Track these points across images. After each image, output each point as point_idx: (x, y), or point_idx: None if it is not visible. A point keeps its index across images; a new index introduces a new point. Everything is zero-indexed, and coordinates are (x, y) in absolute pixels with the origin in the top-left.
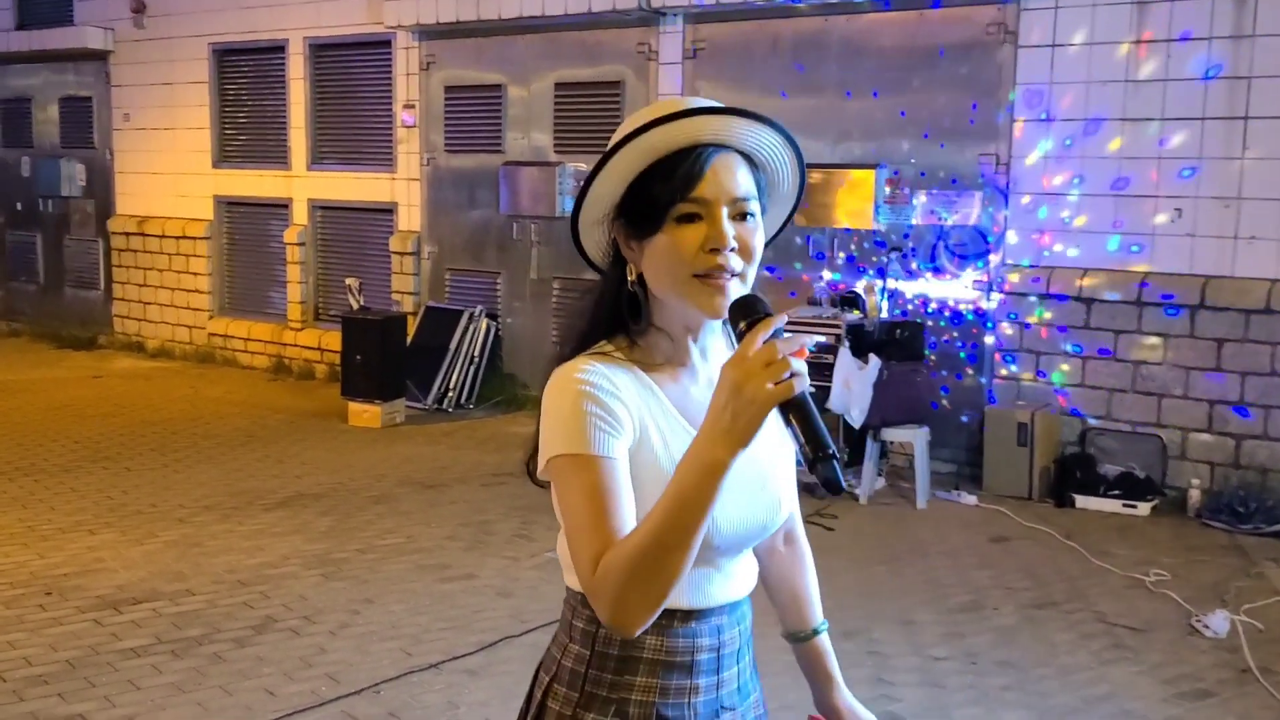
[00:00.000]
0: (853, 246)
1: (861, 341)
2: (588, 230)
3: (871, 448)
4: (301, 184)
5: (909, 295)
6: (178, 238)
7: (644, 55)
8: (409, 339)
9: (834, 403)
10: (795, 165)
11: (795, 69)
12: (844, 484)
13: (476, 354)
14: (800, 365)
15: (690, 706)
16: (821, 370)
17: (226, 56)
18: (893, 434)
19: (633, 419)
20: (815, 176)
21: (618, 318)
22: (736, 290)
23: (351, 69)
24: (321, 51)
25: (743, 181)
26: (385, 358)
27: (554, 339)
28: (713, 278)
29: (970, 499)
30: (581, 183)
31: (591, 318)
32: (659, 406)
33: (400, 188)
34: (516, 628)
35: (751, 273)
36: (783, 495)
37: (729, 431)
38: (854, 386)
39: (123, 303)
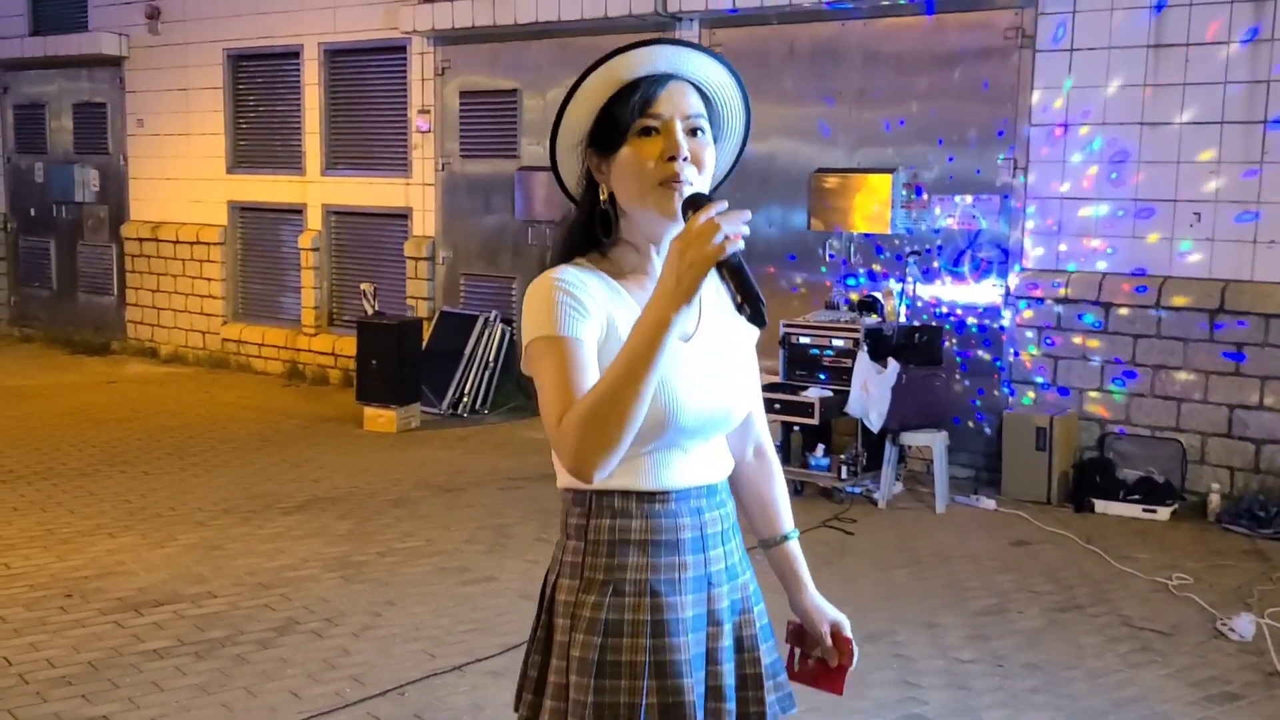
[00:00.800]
0: (870, 251)
1: (880, 345)
2: (564, 159)
3: (890, 452)
4: (316, 189)
5: (927, 300)
6: (191, 243)
7: None
8: (424, 344)
9: (852, 406)
10: (740, 100)
11: (812, 73)
12: (766, 321)
13: (491, 359)
14: (734, 230)
15: (680, 581)
16: (840, 374)
17: (241, 62)
18: (911, 438)
19: (600, 311)
20: (832, 181)
21: (590, 235)
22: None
23: (366, 74)
24: (336, 57)
25: (694, 103)
26: (401, 362)
27: None
28: (670, 184)
29: (989, 503)
30: (555, 112)
31: (567, 236)
32: (624, 305)
33: (415, 193)
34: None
35: (704, 183)
36: (740, 387)
37: (673, 292)
38: (872, 390)
39: (136, 308)
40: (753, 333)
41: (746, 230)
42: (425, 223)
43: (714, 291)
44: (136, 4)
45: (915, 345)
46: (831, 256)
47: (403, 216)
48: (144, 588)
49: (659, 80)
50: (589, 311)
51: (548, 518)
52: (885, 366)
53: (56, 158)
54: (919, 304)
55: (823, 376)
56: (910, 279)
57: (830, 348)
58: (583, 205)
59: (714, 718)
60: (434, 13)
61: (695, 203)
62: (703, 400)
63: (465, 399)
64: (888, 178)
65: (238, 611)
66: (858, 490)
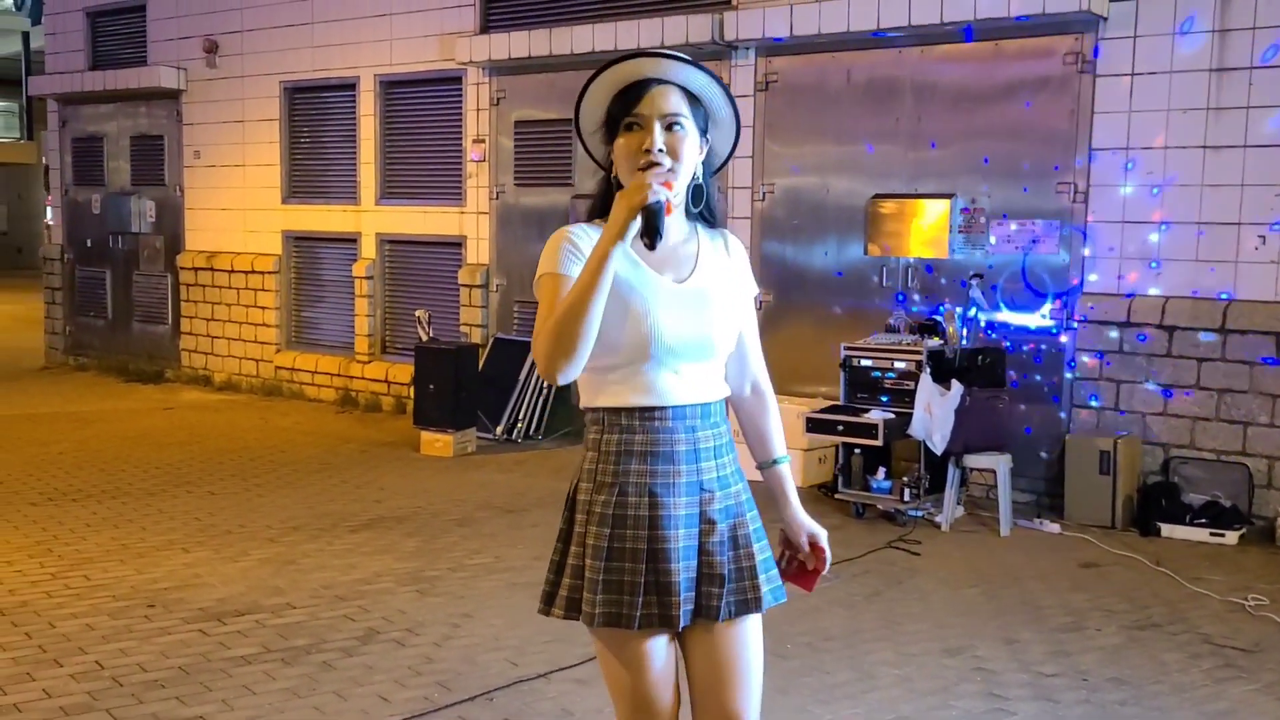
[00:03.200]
0: (928, 276)
1: (943, 368)
2: (590, 143)
3: (953, 474)
4: (370, 218)
5: (987, 323)
6: (246, 272)
7: None
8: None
9: (915, 428)
10: (725, 97)
11: (868, 101)
12: (657, 241)
13: (545, 385)
14: (659, 182)
15: (674, 485)
16: (901, 397)
17: (297, 94)
18: (975, 460)
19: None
20: (889, 207)
21: (605, 202)
22: (677, 183)
23: (421, 105)
24: (392, 88)
25: (674, 104)
26: (458, 387)
27: None
28: (646, 170)
29: (1053, 527)
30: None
31: (591, 203)
32: (623, 253)
33: (469, 221)
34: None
35: (681, 169)
36: (721, 323)
37: (611, 227)
38: (935, 412)
39: (190, 337)
40: (747, 290)
41: (668, 192)
42: (479, 251)
43: (718, 253)
44: (194, 38)
45: (978, 367)
46: (889, 282)
47: (456, 245)
48: (224, 598)
49: (646, 84)
50: (584, 256)
51: None
52: (948, 389)
53: (114, 189)
54: (980, 327)
55: (884, 399)
56: (972, 303)
57: (892, 370)
58: (601, 181)
59: (712, 599)
60: (490, 44)
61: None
62: (680, 328)
63: (520, 424)
64: (946, 203)
65: (318, 621)
66: (920, 513)
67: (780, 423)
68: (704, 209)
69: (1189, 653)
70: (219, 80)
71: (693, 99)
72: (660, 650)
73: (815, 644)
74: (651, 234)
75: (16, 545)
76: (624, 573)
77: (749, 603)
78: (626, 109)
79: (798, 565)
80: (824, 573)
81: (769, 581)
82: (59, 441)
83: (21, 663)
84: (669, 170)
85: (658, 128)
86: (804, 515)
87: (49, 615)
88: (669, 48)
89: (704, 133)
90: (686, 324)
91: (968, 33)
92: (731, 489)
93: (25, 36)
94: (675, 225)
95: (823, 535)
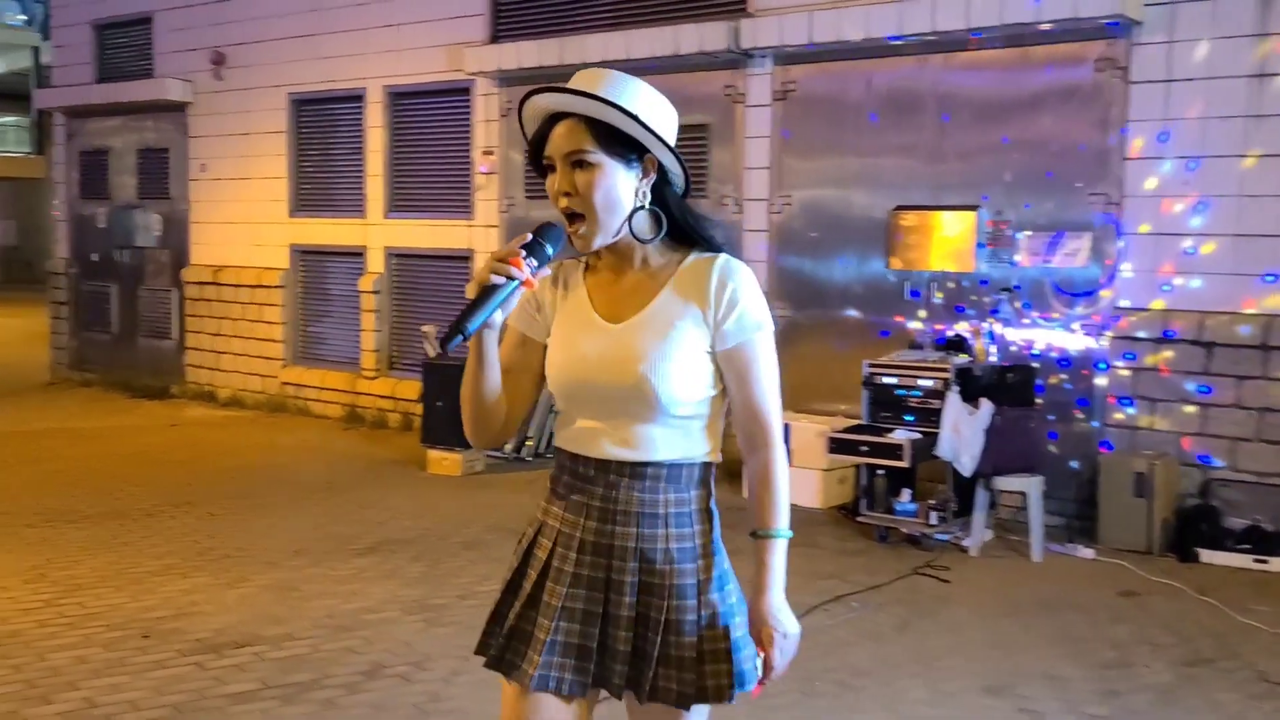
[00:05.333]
0: (952, 289)
1: (970, 386)
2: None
3: (981, 497)
4: (378, 232)
5: (1016, 338)
6: (252, 287)
7: (731, 98)
8: None
9: (942, 449)
10: (626, 117)
11: (890, 110)
12: (448, 349)
13: (554, 404)
14: (501, 269)
15: (578, 542)
16: (927, 415)
17: (304, 106)
18: (1005, 483)
19: (536, 298)
20: (911, 219)
21: None
22: (590, 232)
23: (430, 116)
24: (400, 99)
25: (574, 140)
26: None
27: None
28: (566, 217)
29: (1087, 552)
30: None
31: None
32: (566, 289)
33: (478, 235)
34: None
35: (594, 205)
36: (661, 370)
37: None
38: (964, 432)
39: (195, 352)
40: (733, 334)
41: (518, 271)
42: None
43: (693, 289)
44: (201, 50)
45: (1008, 385)
46: (913, 295)
47: (465, 259)
48: (221, 629)
49: (552, 121)
50: (540, 307)
51: None
52: (977, 407)
53: (120, 203)
54: (1008, 343)
55: (909, 418)
56: (1001, 318)
57: (917, 388)
58: None
59: (613, 675)
60: (500, 54)
61: (541, 231)
62: (590, 374)
63: (529, 442)
64: (971, 215)
65: (320, 654)
66: (946, 537)
67: (777, 491)
68: (688, 234)
69: (1246, 693)
70: (225, 92)
71: (597, 124)
72: (534, 709)
73: (845, 680)
74: (451, 325)
75: (10, 569)
76: (509, 611)
77: (677, 694)
78: (540, 150)
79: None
80: (763, 682)
81: (716, 676)
82: (58, 459)
83: (8, 699)
84: (532, 244)
85: (566, 168)
86: (764, 608)
87: (40, 646)
88: (593, 70)
89: (636, 157)
90: (603, 370)
91: (993, 39)
92: (663, 566)
93: (35, 51)
94: (635, 256)
95: (774, 638)
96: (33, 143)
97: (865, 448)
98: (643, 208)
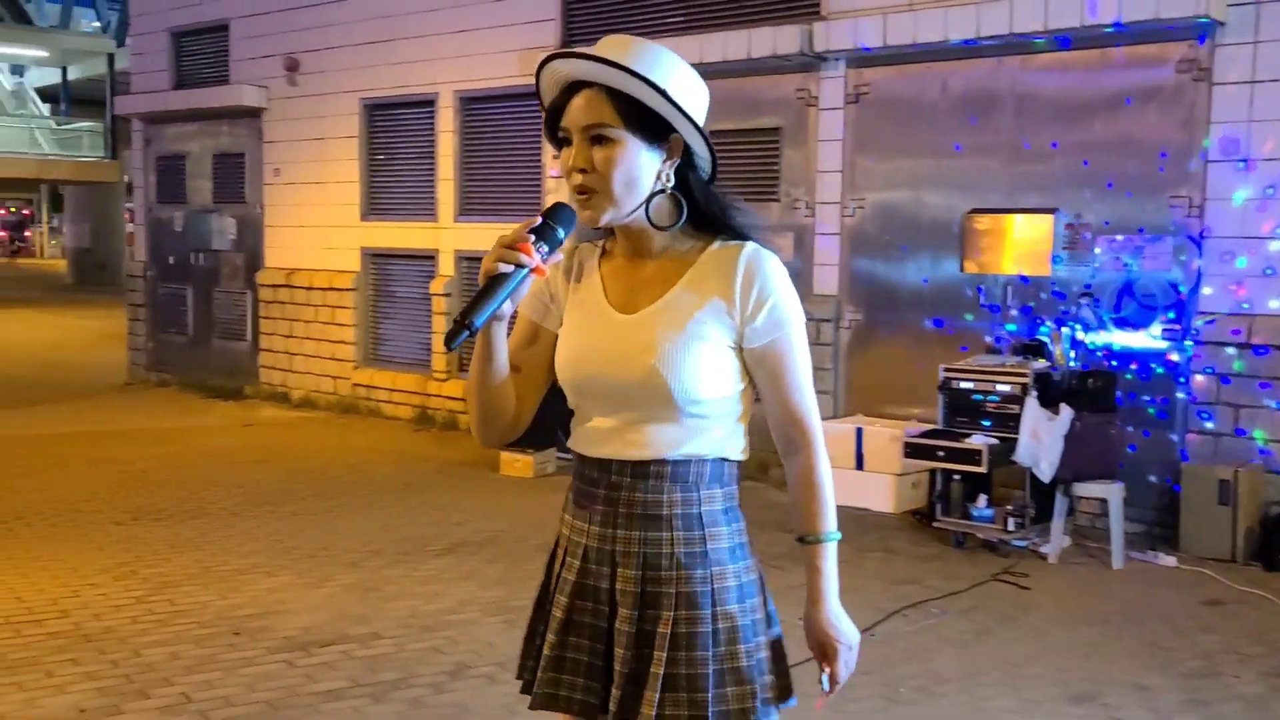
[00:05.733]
0: (1028, 293)
1: (1050, 391)
2: None
3: (1060, 503)
4: (448, 235)
5: (1094, 345)
6: (324, 289)
7: (804, 101)
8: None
9: (1021, 454)
10: (654, 91)
11: (965, 113)
12: (452, 346)
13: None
14: (510, 256)
15: (585, 550)
16: (1004, 421)
17: (376, 111)
18: (1085, 489)
19: (549, 285)
20: (986, 222)
21: None
22: (599, 203)
23: (501, 121)
24: (471, 104)
25: (597, 112)
26: (538, 406)
27: None
28: (577, 193)
29: (1169, 560)
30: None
31: None
32: (588, 279)
33: None
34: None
35: (611, 186)
36: (674, 362)
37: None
38: (1043, 438)
39: (269, 353)
40: (763, 329)
41: (527, 258)
42: None
43: (716, 279)
44: (276, 57)
45: (1088, 391)
46: (987, 301)
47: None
48: (308, 627)
49: (572, 90)
50: (552, 295)
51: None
52: (1056, 413)
53: (195, 207)
54: (1086, 349)
55: (986, 423)
56: (1080, 322)
57: (994, 393)
58: None
59: (607, 698)
60: None
61: (551, 213)
62: (597, 367)
63: None
64: (1048, 218)
65: (405, 654)
66: (1024, 544)
67: (823, 492)
68: (712, 221)
69: None
70: (299, 98)
71: (619, 95)
72: None
73: (929, 687)
74: (459, 315)
75: (101, 567)
76: (534, 631)
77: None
78: (556, 120)
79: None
80: (828, 695)
81: (738, 700)
82: (141, 459)
83: (109, 693)
84: (542, 227)
85: (582, 142)
86: (822, 618)
87: (134, 642)
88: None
89: (660, 136)
90: (612, 364)
91: (1069, 41)
92: (668, 573)
93: (110, 58)
94: (653, 243)
95: (838, 650)
96: (107, 147)
97: (942, 453)
98: (663, 191)
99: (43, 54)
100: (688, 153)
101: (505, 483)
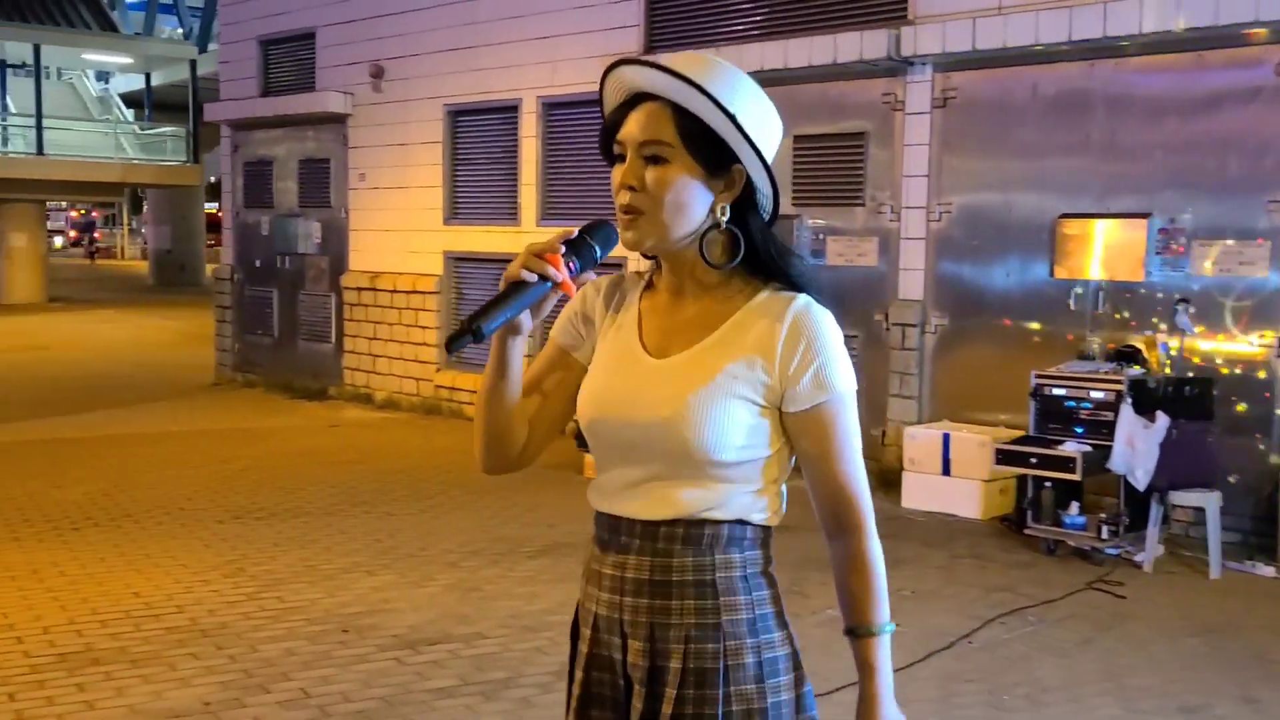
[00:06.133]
0: (1121, 299)
1: (1145, 398)
2: None
3: (1155, 512)
4: (531, 239)
5: (1190, 350)
6: (408, 292)
7: (890, 106)
8: None
9: (1115, 462)
10: (722, 115)
11: (1056, 115)
12: (453, 349)
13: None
14: (536, 266)
15: (595, 619)
16: (1098, 428)
17: (460, 117)
18: (1181, 497)
19: (582, 314)
20: (1078, 227)
21: None
22: (644, 227)
23: (583, 126)
24: (554, 110)
25: (655, 128)
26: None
27: None
28: (623, 212)
29: (1267, 570)
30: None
31: None
32: (626, 313)
33: None
34: (823, 686)
35: (661, 209)
36: (701, 415)
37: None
38: (1139, 446)
39: (353, 355)
40: (803, 394)
41: (556, 272)
42: None
43: (758, 332)
44: (361, 64)
45: (1185, 398)
46: (1078, 305)
47: (617, 266)
48: (415, 626)
49: (635, 102)
50: (586, 321)
51: (795, 570)
52: (1152, 420)
53: (282, 211)
54: (1181, 355)
55: (1079, 430)
56: (1177, 328)
57: (1088, 400)
58: None
59: None
60: None
61: (590, 230)
62: (620, 414)
63: None
64: (1142, 223)
65: (511, 653)
66: (1116, 552)
67: (875, 579)
68: (767, 266)
69: None
70: (384, 104)
71: (684, 113)
72: None
73: (1034, 695)
74: (469, 319)
75: (210, 564)
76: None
77: None
78: (614, 133)
79: None
80: None
81: None
82: (236, 458)
83: (230, 688)
84: (578, 241)
85: (637, 158)
86: (874, 715)
87: (250, 638)
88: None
89: (722, 165)
90: (630, 412)
91: (1166, 43)
92: (676, 647)
93: (192, 64)
94: (700, 282)
95: None
96: (188, 152)
97: (1035, 459)
98: (717, 226)
99: (127, 61)
100: (749, 188)
101: (583, 485)
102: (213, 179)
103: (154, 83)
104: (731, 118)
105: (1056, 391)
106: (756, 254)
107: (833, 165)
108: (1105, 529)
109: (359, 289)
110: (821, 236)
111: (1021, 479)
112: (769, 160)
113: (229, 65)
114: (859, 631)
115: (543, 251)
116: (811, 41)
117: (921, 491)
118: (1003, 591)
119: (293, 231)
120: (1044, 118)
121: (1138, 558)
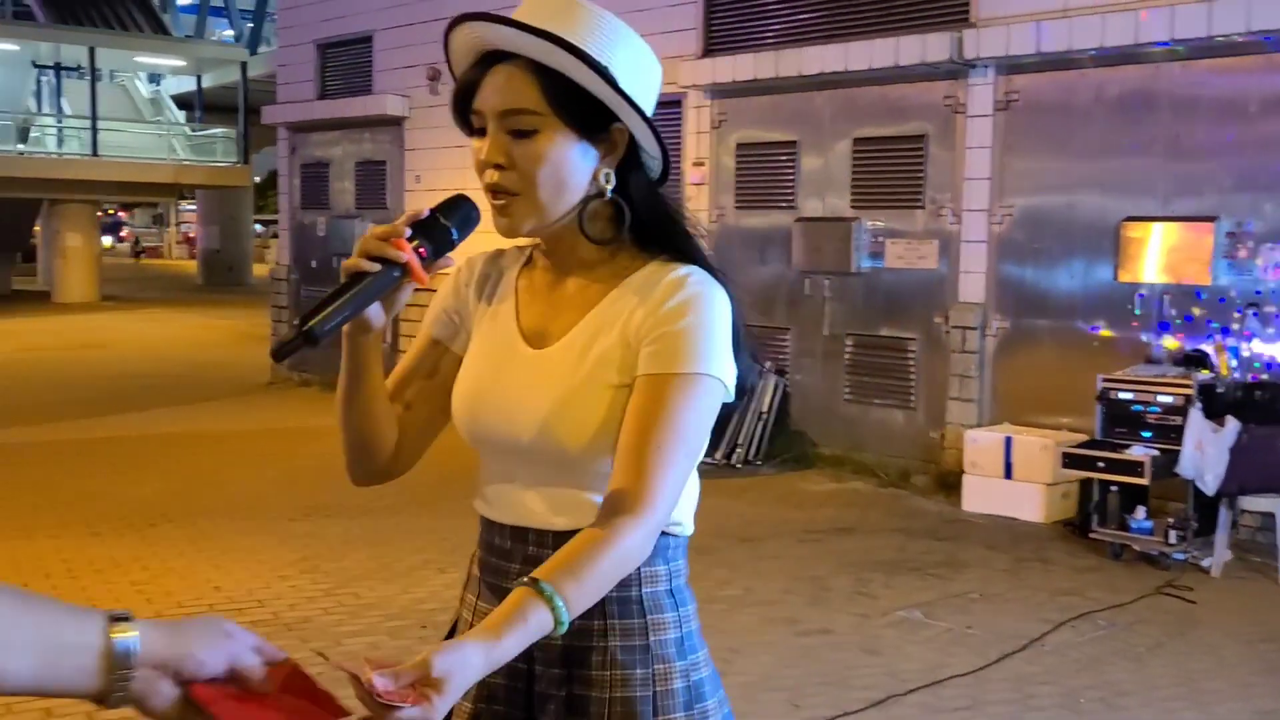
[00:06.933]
0: (1188, 302)
1: (1214, 402)
2: None
3: (1224, 517)
4: None
5: (1260, 354)
6: None
7: (951, 108)
8: None
9: (1184, 467)
10: (592, 71)
11: (1120, 118)
12: (281, 357)
13: (764, 410)
14: (386, 250)
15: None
16: (1165, 432)
17: None
18: (1251, 502)
19: (453, 297)
20: (1143, 230)
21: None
22: (519, 209)
23: None
24: None
25: (516, 94)
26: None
27: (846, 396)
28: (491, 194)
29: None
30: None
31: None
32: (503, 298)
33: None
34: (899, 687)
35: (536, 188)
36: (573, 410)
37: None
38: (1208, 450)
39: (400, 354)
40: (655, 358)
41: (401, 254)
42: None
43: (635, 306)
44: (418, 67)
45: (1254, 402)
46: (1145, 308)
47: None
48: None
49: (490, 61)
50: (457, 306)
51: (861, 571)
52: (1221, 425)
53: (338, 212)
54: (1251, 359)
55: (1146, 434)
56: (1244, 333)
57: (1155, 404)
58: None
59: None
60: (714, 67)
61: (441, 206)
62: (498, 415)
63: (739, 449)
64: (1209, 226)
65: None
66: (1183, 557)
67: (600, 563)
68: (658, 235)
69: None
70: (440, 107)
71: (550, 73)
72: None
73: (1109, 699)
74: (303, 319)
75: (286, 560)
76: None
77: None
78: (468, 101)
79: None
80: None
81: None
82: (298, 456)
83: (322, 680)
84: (429, 221)
85: (498, 131)
86: (459, 651)
87: (333, 632)
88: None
89: (600, 126)
90: (505, 415)
91: (1237, 45)
92: (599, 674)
93: (243, 67)
94: (583, 257)
95: (431, 694)
96: (239, 153)
97: (1102, 463)
98: (601, 195)
99: (179, 63)
100: (633, 148)
101: None
102: (258, 179)
103: (205, 84)
104: (603, 72)
105: (1123, 395)
106: (644, 222)
107: (892, 168)
108: (1173, 534)
109: (415, 289)
110: (880, 239)
111: (1086, 483)
112: (650, 113)
113: (286, 69)
114: (541, 584)
115: (386, 235)
116: (872, 44)
117: (982, 494)
118: (1070, 595)
119: (349, 233)
120: (1109, 120)
121: (1205, 563)
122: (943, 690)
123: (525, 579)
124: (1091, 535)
